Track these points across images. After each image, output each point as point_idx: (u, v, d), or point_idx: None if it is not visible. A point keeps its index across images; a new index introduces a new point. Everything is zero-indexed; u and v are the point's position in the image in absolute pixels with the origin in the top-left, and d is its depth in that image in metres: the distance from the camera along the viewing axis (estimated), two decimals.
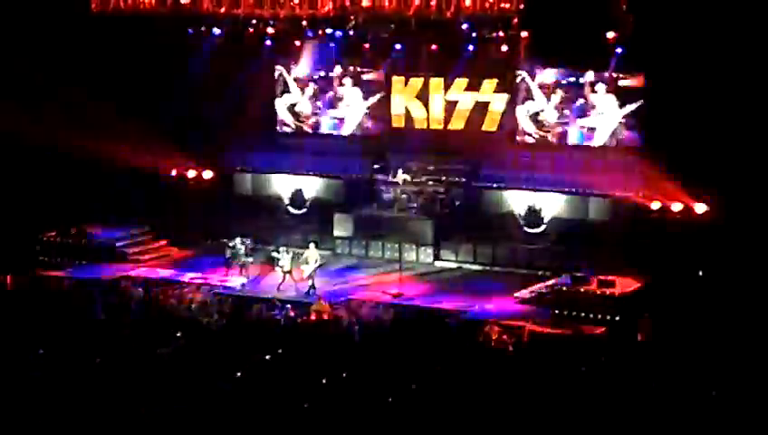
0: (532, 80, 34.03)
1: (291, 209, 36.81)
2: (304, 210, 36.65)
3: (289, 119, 37.97)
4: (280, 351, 23.45)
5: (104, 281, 30.90)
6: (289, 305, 28.23)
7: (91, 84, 34.90)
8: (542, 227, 33.27)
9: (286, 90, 37.55)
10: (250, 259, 31.73)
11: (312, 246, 31.18)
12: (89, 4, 36.08)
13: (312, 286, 30.16)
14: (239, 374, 21.19)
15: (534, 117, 34.35)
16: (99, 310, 27.60)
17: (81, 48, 35.72)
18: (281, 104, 37.81)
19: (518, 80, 34.12)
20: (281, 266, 30.59)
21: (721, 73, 29.72)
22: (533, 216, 33.44)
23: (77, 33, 35.59)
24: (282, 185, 37.18)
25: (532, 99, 34.15)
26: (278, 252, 30.94)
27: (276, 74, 37.47)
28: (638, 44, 31.40)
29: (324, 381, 21.25)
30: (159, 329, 25.39)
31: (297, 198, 36.81)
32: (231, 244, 31.71)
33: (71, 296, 28.90)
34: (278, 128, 38.23)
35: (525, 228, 33.47)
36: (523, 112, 34.27)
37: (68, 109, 34.28)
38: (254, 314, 27.74)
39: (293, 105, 37.77)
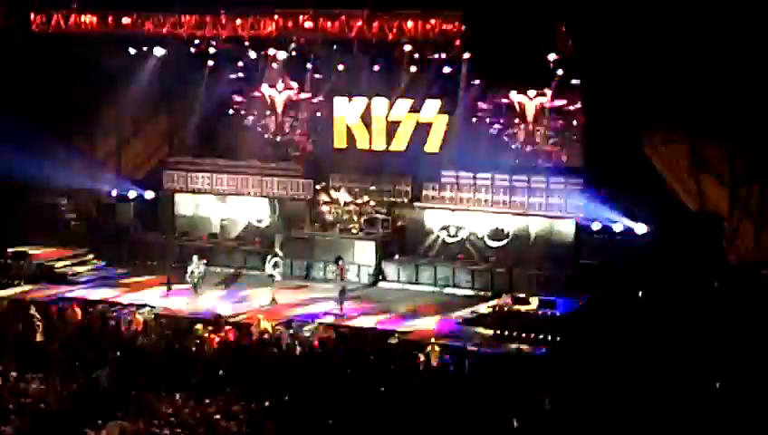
0: (474, 101, 34.45)
1: (234, 230, 36.72)
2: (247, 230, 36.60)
3: (234, 139, 38.03)
4: (221, 372, 23.35)
5: (43, 302, 30.48)
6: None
7: (29, 105, 34.57)
8: (488, 246, 33.54)
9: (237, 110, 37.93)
10: (196, 276, 31.67)
11: (340, 261, 32.04)
12: (29, 23, 35.79)
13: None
14: (179, 396, 21.03)
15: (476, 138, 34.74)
16: (36, 331, 27.19)
17: (19, 68, 35.40)
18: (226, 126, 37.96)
19: (459, 101, 34.43)
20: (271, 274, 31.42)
21: (660, 92, 30.17)
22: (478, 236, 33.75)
23: (16, 53, 35.27)
24: (224, 205, 37.06)
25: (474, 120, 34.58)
26: (276, 256, 31.67)
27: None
28: (578, 65, 31.77)
29: (267, 402, 21.16)
30: (97, 351, 25.09)
31: (242, 218, 36.76)
32: (188, 263, 31.75)
33: (7, 317, 28.43)
34: (220, 148, 38.21)
35: (469, 248, 33.71)
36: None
37: (4, 130, 33.87)
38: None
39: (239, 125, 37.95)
